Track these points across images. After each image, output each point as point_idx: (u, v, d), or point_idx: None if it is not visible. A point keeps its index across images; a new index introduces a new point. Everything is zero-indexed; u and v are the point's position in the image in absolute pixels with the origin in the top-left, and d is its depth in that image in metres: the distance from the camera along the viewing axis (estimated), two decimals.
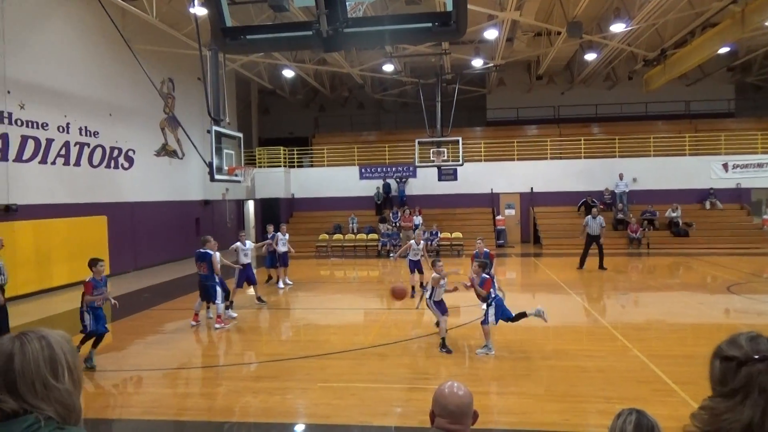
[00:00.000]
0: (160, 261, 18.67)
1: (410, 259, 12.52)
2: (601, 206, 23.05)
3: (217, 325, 9.82)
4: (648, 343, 8.27)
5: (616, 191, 23.05)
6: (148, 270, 17.62)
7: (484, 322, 7.93)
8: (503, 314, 7.95)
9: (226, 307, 10.26)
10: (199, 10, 11.83)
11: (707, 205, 23.00)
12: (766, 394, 1.17)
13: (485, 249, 11.05)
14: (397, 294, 8.98)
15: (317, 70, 25.12)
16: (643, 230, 21.60)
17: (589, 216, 16.38)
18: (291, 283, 14.31)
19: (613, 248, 20.67)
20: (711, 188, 23.15)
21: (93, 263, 7.95)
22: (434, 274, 8.31)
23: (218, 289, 9.82)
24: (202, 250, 9.71)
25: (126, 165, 17.31)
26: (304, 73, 24.57)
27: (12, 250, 9.29)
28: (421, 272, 12.46)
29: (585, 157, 24.39)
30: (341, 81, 29.00)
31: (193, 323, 10.03)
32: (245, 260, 11.52)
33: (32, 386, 1.39)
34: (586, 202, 23.15)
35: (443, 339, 8.06)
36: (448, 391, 2.10)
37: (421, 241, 12.64)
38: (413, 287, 12.45)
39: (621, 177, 23.04)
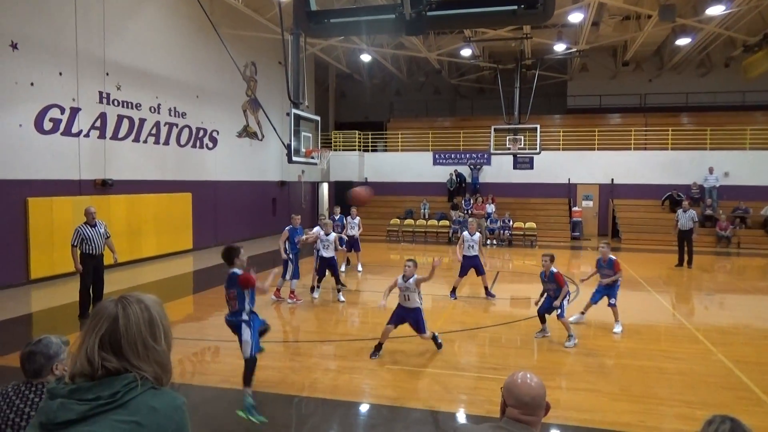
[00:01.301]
0: (238, 238, 19.46)
1: (465, 255, 10.73)
2: (688, 201, 21.78)
3: (289, 300, 10.27)
4: (734, 347, 7.78)
5: (705, 185, 21.65)
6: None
7: (561, 315, 7.76)
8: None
9: (312, 289, 10.69)
10: None
11: None
12: None
13: (610, 256, 8.83)
14: (356, 197, 8.63)
15: (394, 55, 25.10)
16: (734, 228, 20.21)
17: (680, 209, 15.54)
18: (360, 270, 14.37)
19: (700, 246, 19.45)
20: None
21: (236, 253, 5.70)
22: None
23: (290, 264, 10.26)
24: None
25: (210, 145, 18.11)
26: (381, 57, 24.63)
27: (107, 221, 10.03)
28: (479, 272, 10.66)
29: (672, 149, 23.06)
30: (418, 65, 28.85)
31: (275, 298, 10.48)
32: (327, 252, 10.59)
33: (135, 347, 1.50)
34: (671, 196, 21.94)
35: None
36: (521, 381, 2.07)
37: (476, 233, 10.76)
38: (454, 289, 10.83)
39: (711, 171, 21.61)
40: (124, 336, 1.49)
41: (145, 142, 15.13)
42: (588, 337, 8.28)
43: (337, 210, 14.27)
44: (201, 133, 17.57)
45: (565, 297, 7.77)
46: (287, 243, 10.52)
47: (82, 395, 1.41)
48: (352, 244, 13.89)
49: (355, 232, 13.87)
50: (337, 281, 10.68)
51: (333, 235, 10.63)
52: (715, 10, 16.93)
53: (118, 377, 1.45)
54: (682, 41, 21.23)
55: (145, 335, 1.52)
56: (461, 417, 5.56)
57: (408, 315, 7.20)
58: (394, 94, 31.84)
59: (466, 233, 10.71)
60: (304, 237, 10.73)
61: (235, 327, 5.62)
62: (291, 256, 10.44)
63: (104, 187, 13.59)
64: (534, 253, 18.75)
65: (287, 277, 10.46)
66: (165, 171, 15.97)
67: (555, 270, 7.85)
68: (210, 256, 16.26)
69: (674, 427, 5.20)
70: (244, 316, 5.58)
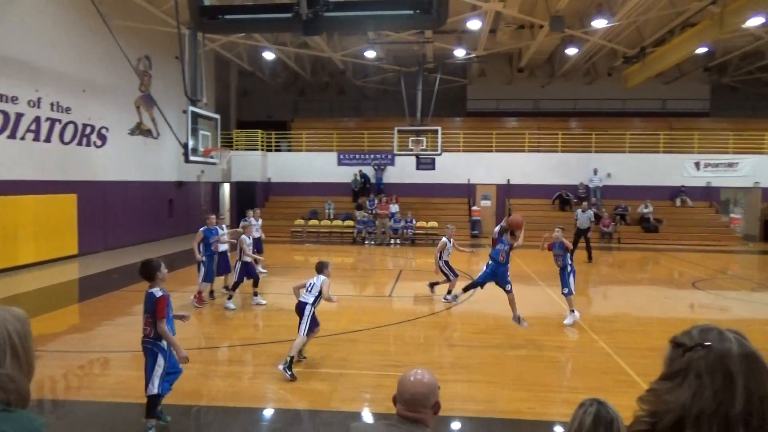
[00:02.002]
0: (131, 242, 18.37)
1: (445, 261, 10.95)
2: (576, 200, 23.41)
3: (196, 305, 9.97)
4: (614, 335, 8.45)
5: (590, 186, 23.38)
6: (118, 250, 17.33)
7: (569, 293, 9.08)
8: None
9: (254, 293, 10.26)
10: None
11: (678, 202, 23.49)
12: (699, 379, 1.24)
13: (562, 239, 9.80)
14: (514, 223, 9.05)
15: (298, 54, 24.82)
16: (615, 225, 21.99)
17: (579, 209, 16.67)
18: (265, 272, 14.02)
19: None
20: (682, 186, 23.63)
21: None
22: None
23: (202, 267, 9.98)
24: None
25: (99, 143, 16.94)
26: (284, 56, 24.27)
27: None
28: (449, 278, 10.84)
29: (562, 151, 24.66)
30: (322, 66, 28.72)
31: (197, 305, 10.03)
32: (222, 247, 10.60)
33: None
34: (561, 196, 23.48)
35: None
36: (410, 379, 2.11)
37: (452, 239, 11.07)
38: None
39: (595, 172, 23.37)
40: None
41: (23, 138, 13.89)
42: (486, 331, 8.63)
43: (256, 212, 13.83)
44: (88, 129, 16.38)
45: (571, 273, 9.24)
46: (201, 245, 10.12)
47: None
48: (257, 245, 13.58)
49: (258, 234, 13.57)
50: (257, 285, 10.36)
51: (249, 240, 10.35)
52: (599, 23, 18.34)
53: None
54: (571, 51, 22.79)
55: None
56: (365, 416, 5.60)
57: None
58: (299, 93, 31.49)
59: (445, 239, 10.85)
60: (220, 237, 10.38)
61: (149, 354, 5.01)
62: (204, 258, 10.05)
63: None
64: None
65: (199, 279, 10.10)
66: (46, 170, 14.73)
67: (564, 241, 9.49)
68: (98, 262, 15.23)
69: (560, 411, 5.55)
70: (164, 344, 5.00)
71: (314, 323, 6.89)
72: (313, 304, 6.87)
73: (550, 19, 17.64)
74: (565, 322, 9.03)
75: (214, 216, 10.65)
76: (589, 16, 19.51)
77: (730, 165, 23.59)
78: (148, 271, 4.96)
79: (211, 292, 10.62)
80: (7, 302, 9.97)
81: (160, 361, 4.96)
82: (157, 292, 4.97)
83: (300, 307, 6.89)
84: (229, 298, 10.04)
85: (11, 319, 1.43)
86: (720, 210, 23.82)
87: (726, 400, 1.20)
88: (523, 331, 8.49)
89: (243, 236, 10.15)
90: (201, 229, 10.31)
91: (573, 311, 9.14)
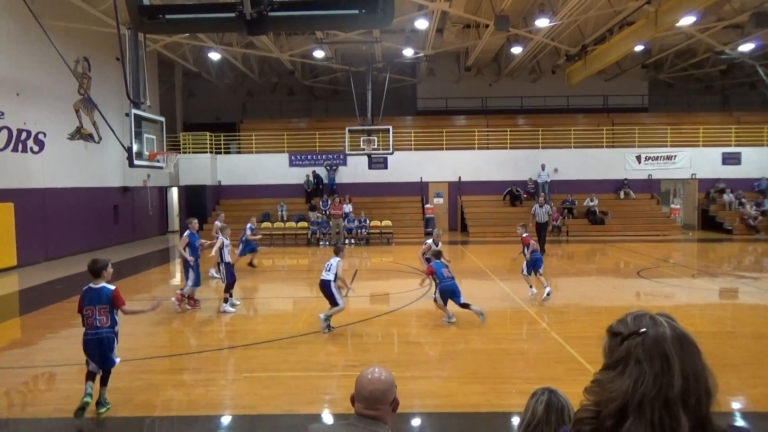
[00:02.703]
0: (74, 251, 17.63)
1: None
2: (525, 195, 23.98)
3: (188, 307, 10.03)
4: (565, 325, 8.70)
5: (539, 181, 23.99)
6: (60, 260, 16.62)
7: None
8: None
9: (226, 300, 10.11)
10: None
11: (621, 194, 24.40)
12: (640, 365, 1.28)
13: (524, 234, 11.21)
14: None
15: (245, 54, 24.42)
16: (563, 218, 22.64)
17: (537, 204, 17.20)
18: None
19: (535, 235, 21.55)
20: (625, 179, 24.54)
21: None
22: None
23: (191, 271, 10.01)
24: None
25: (36, 148, 16.19)
26: (231, 56, 23.84)
27: None
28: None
29: (510, 148, 25.18)
30: (270, 66, 28.36)
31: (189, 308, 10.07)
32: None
33: None
34: (511, 191, 23.98)
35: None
36: (367, 377, 2.12)
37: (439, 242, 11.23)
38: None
39: (543, 167, 23.99)
40: None
41: None
42: (441, 327, 8.73)
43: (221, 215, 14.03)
44: (24, 135, 15.63)
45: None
46: (188, 248, 10.10)
47: None
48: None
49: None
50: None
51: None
52: (542, 23, 18.82)
53: None
54: (516, 49, 23.30)
55: None
56: (325, 417, 5.57)
57: None
58: (247, 94, 31.00)
59: (430, 241, 10.82)
60: (203, 242, 10.53)
61: (108, 341, 5.59)
62: (193, 262, 10.00)
63: None
64: (391, 251, 19.38)
65: (190, 284, 10.00)
66: None
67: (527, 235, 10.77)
68: (40, 273, 14.56)
69: (516, 402, 5.67)
70: (116, 330, 5.71)
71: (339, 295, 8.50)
72: (334, 280, 8.30)
73: (495, 19, 18.00)
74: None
75: (196, 220, 10.81)
76: (532, 16, 20.02)
77: (669, 158, 24.67)
78: (97, 267, 5.60)
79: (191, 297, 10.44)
80: None
81: (115, 341, 5.73)
82: (109, 285, 5.64)
83: (324, 285, 8.38)
84: (225, 300, 10.04)
85: None
86: (661, 201, 24.88)
87: (665, 383, 1.25)
88: (478, 326, 8.63)
89: (222, 238, 10.13)
90: (186, 233, 10.35)
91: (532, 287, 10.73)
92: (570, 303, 10.62)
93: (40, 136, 16.31)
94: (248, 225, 14.57)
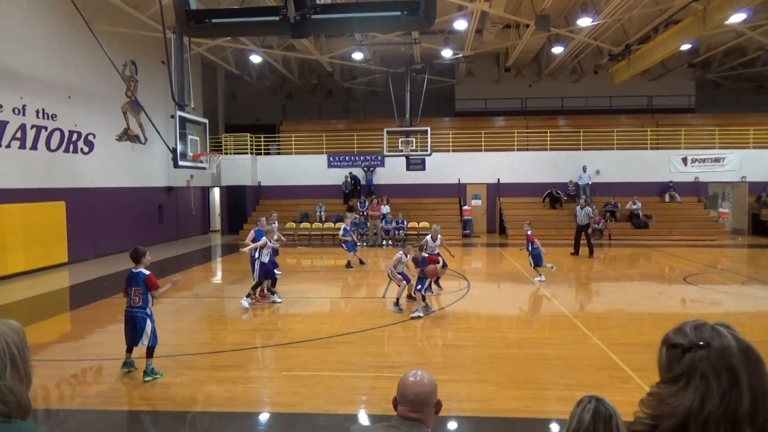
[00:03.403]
0: (121, 248, 18.13)
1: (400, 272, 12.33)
2: (565, 198, 23.54)
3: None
4: (607, 331, 8.49)
5: (579, 183, 23.51)
6: (108, 257, 17.19)
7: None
8: None
9: (271, 292, 10.84)
10: None
11: (666, 197, 23.67)
12: (705, 380, 1.22)
13: (529, 232, 12.94)
14: (430, 272, 9.63)
15: (285, 57, 24.77)
16: (605, 222, 22.12)
17: (578, 206, 17.23)
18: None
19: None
20: (670, 181, 23.81)
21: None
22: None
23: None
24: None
25: (86, 149, 16.80)
26: (271, 59, 24.20)
27: None
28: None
29: (551, 149, 24.77)
30: (310, 68, 28.68)
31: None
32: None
33: None
34: (551, 194, 23.59)
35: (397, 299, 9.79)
36: (411, 380, 2.12)
37: (439, 236, 11.81)
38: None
39: (584, 169, 23.50)
40: None
41: (8, 146, 13.74)
42: (478, 330, 8.65)
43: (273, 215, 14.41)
44: (75, 136, 16.24)
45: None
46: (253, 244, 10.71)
47: None
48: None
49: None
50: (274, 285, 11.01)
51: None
52: (584, 22, 18.43)
53: None
54: (557, 49, 22.90)
55: None
56: (362, 418, 5.59)
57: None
58: (286, 96, 31.43)
59: (429, 238, 11.14)
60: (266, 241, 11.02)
61: (138, 320, 6.44)
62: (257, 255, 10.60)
63: None
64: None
65: (256, 276, 10.55)
66: (33, 178, 14.58)
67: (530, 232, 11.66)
68: (89, 269, 15.09)
69: (556, 408, 5.57)
70: (148, 311, 6.53)
71: (406, 278, 10.01)
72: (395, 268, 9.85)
73: (535, 18, 17.73)
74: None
75: (264, 218, 11.71)
76: (574, 15, 19.63)
77: (717, 160, 23.82)
78: (137, 255, 6.58)
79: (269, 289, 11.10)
80: None
81: (148, 322, 6.51)
82: (145, 271, 6.52)
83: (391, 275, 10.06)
84: (248, 295, 10.51)
85: (8, 331, 1.43)
86: (708, 205, 24.04)
87: (733, 400, 1.18)
88: (516, 329, 8.53)
89: (264, 238, 10.56)
90: (253, 230, 10.98)
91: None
92: (612, 308, 10.37)
93: (90, 138, 16.92)
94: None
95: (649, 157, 24.22)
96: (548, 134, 25.03)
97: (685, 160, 23.93)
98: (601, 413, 1.95)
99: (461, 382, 6.39)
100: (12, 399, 1.38)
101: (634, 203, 22.68)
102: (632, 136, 25.16)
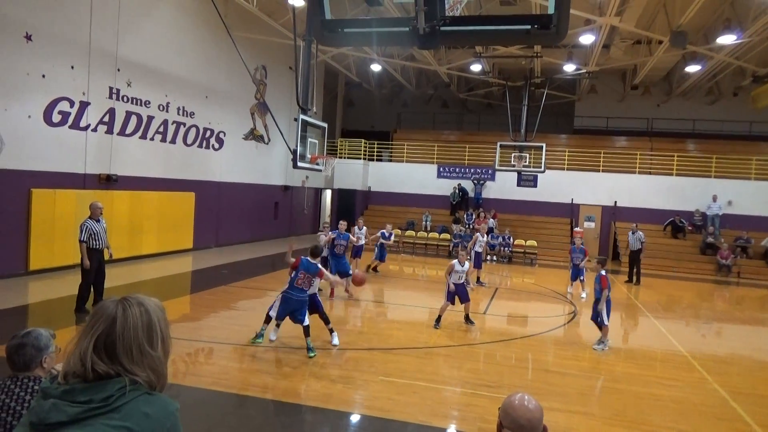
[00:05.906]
0: (239, 240, 19.48)
1: (475, 251, 13.88)
2: (690, 227, 21.80)
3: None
4: (730, 378, 7.74)
5: (708, 213, 21.62)
6: (227, 247, 18.42)
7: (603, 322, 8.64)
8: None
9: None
10: (296, 1, 12.17)
11: None
12: None
13: (581, 246, 13.20)
14: (358, 281, 9.74)
15: (404, 66, 25.21)
16: (735, 257, 20.16)
17: (630, 231, 16.81)
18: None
19: (700, 273, 19.51)
20: None
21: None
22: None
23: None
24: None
25: (216, 146, 18.16)
26: (391, 68, 24.73)
27: (110, 217, 10.08)
28: (463, 300, 9.90)
29: (677, 174, 23.05)
30: (427, 78, 28.96)
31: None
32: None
33: (129, 351, 1.48)
34: (673, 222, 21.92)
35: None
36: (518, 403, 2.04)
37: (466, 263, 10.45)
38: (478, 278, 14.25)
39: (714, 199, 21.59)
40: (120, 339, 1.46)
41: (152, 139, 15.17)
42: (583, 359, 8.24)
43: (360, 221, 14.82)
44: (208, 133, 17.62)
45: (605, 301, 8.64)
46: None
47: (74, 397, 1.39)
48: (357, 251, 13.92)
49: (363, 241, 13.94)
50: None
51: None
52: (726, 40, 17.00)
53: (111, 381, 1.42)
54: (692, 68, 21.32)
55: (141, 340, 1.50)
56: None
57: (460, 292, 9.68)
58: (402, 105, 31.94)
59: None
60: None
61: (301, 303, 7.54)
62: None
63: (108, 182, 13.60)
64: (533, 272, 18.72)
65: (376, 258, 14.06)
66: (170, 169, 15.99)
67: (603, 273, 8.71)
68: (209, 257, 16.23)
69: None
70: (307, 296, 7.66)
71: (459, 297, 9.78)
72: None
73: (671, 35, 16.61)
74: (594, 346, 8.77)
75: (345, 222, 12.50)
76: (714, 32, 18.16)
77: None
78: (317, 251, 7.96)
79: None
80: (131, 288, 10.91)
81: (306, 306, 7.64)
82: (318, 263, 7.82)
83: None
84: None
85: (156, 308, 1.57)
86: None
87: None
88: (623, 362, 8.01)
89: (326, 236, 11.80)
90: (379, 231, 14.17)
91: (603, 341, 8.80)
92: (736, 353, 9.43)
93: (221, 135, 18.26)
94: (382, 231, 14.91)
95: None
96: (675, 158, 23.31)
97: None
98: None
99: (564, 412, 6.10)
100: (161, 371, 1.52)
101: None
102: None
